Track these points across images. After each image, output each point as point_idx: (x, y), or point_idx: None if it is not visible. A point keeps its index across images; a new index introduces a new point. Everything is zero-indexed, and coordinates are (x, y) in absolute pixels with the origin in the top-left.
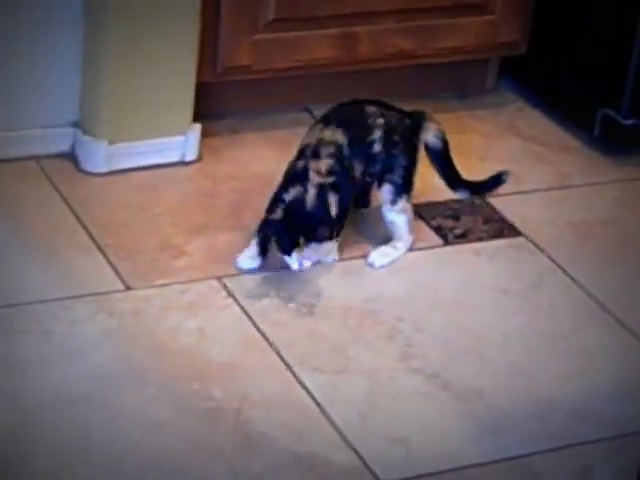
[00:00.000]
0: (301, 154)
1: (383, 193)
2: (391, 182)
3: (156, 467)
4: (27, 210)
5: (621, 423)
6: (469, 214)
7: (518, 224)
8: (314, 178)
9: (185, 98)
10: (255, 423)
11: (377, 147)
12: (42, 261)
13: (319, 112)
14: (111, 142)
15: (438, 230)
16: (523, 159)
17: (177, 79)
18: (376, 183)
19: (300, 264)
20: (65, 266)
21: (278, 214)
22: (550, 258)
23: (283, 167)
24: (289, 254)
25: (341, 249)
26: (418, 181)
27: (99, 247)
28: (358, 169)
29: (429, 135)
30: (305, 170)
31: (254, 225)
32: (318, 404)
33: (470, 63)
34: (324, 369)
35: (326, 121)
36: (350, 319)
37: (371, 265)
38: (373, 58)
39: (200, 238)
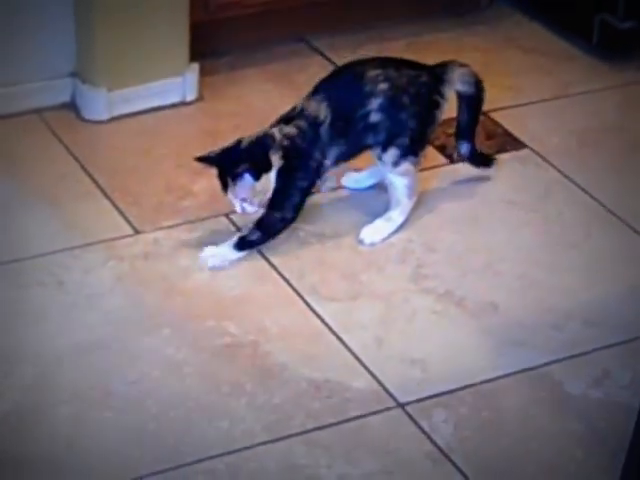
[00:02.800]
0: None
1: (386, 156)
2: (397, 145)
3: (178, 405)
4: (32, 163)
5: (634, 327)
6: None
7: (522, 136)
8: (271, 130)
9: (180, 39)
10: (272, 355)
11: (375, 117)
12: (50, 212)
13: (316, 41)
14: (110, 89)
15: (442, 149)
16: (523, 71)
17: (170, 20)
18: (380, 149)
19: (241, 208)
20: (73, 215)
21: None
22: (556, 168)
23: (284, 99)
24: (224, 191)
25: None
26: None
27: (105, 194)
28: (333, 152)
29: (456, 84)
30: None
31: None
32: (334, 332)
33: None
34: (337, 296)
35: (316, 89)
36: (359, 245)
37: (361, 242)
38: None
39: (205, 177)
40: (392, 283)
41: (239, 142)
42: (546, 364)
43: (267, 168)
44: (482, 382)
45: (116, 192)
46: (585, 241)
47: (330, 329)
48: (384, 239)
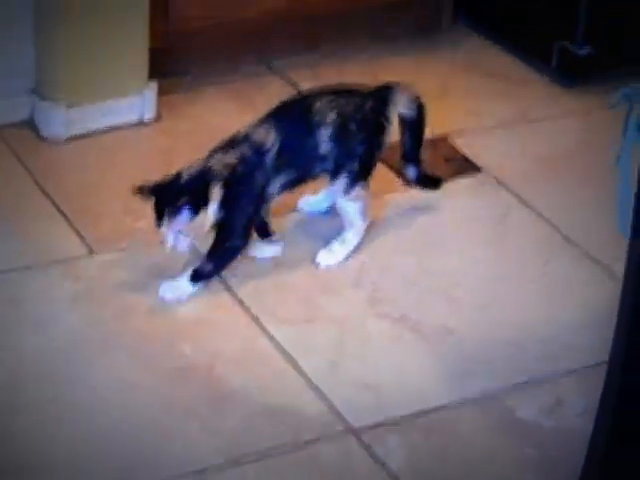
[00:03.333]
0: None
1: (337, 183)
2: (347, 172)
3: (129, 426)
4: None
5: (589, 354)
6: (430, 154)
7: (479, 161)
8: (210, 163)
9: (139, 57)
10: (226, 379)
11: (324, 147)
12: (6, 230)
13: (276, 62)
14: (69, 106)
15: (399, 173)
16: (483, 95)
17: (130, 38)
18: (329, 177)
19: (174, 241)
20: (29, 234)
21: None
22: (513, 193)
23: (243, 119)
24: (158, 224)
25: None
26: None
27: (63, 213)
28: (279, 181)
29: (400, 107)
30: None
31: None
32: (288, 355)
33: (424, 2)
34: (292, 320)
35: (266, 117)
36: (316, 268)
37: (317, 265)
38: (324, 1)
39: None
40: (347, 307)
41: (179, 175)
42: (499, 390)
43: (206, 202)
44: (435, 408)
45: (73, 212)
46: (541, 267)
47: (284, 353)
48: (340, 262)
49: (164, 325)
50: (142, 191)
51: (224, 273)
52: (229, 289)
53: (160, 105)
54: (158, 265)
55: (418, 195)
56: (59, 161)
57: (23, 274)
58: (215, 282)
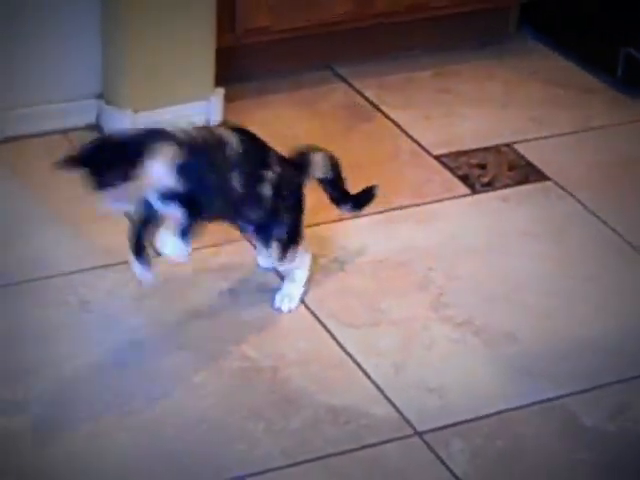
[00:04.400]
0: None
1: (270, 252)
2: (278, 241)
3: (195, 427)
4: (57, 183)
5: None
6: (495, 162)
7: (544, 168)
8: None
9: (206, 63)
10: (291, 380)
11: (266, 191)
12: (75, 232)
13: (342, 69)
14: (135, 111)
15: (465, 179)
16: (546, 103)
17: (197, 44)
18: (261, 245)
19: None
20: (97, 235)
21: None
22: (577, 200)
23: (308, 126)
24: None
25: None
26: (446, 132)
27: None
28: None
29: (316, 172)
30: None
31: None
32: (352, 358)
33: (490, 11)
34: (357, 323)
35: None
36: (381, 272)
37: (279, 310)
38: (390, 11)
39: None
40: (412, 311)
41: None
42: (562, 396)
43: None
44: (498, 412)
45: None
46: (603, 273)
47: (349, 355)
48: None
49: (229, 327)
50: (70, 163)
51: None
52: None
53: (226, 111)
54: (225, 267)
55: (484, 201)
56: None
57: (90, 275)
58: (280, 285)
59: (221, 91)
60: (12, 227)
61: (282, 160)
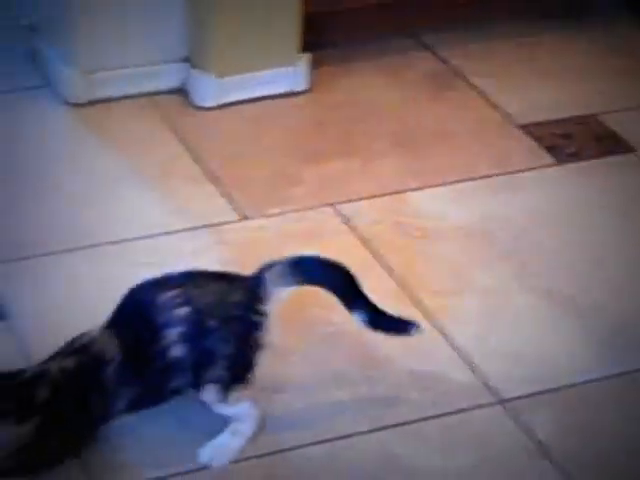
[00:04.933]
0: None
1: (205, 395)
2: (213, 381)
3: (281, 390)
4: (143, 145)
5: None
6: (580, 132)
7: (630, 140)
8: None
9: (292, 28)
10: (375, 346)
11: (175, 352)
12: (159, 195)
13: (427, 38)
14: (221, 75)
15: (550, 149)
16: (631, 74)
17: (283, 10)
18: (192, 390)
19: None
20: (181, 199)
21: None
22: None
23: (393, 94)
24: None
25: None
26: (531, 102)
27: (214, 179)
28: (125, 396)
29: (277, 284)
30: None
31: (367, 152)
32: (438, 325)
33: None
34: (441, 291)
35: (111, 320)
36: (465, 240)
37: (205, 465)
38: None
39: (313, 166)
40: (496, 279)
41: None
42: None
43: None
44: (584, 382)
45: (224, 178)
46: None
47: (434, 322)
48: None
49: (314, 291)
50: None
51: (373, 241)
52: (379, 258)
53: (312, 77)
54: (308, 233)
55: (569, 171)
56: (210, 128)
57: (175, 238)
58: (364, 250)
59: (307, 57)
60: (99, 188)
61: (234, 281)
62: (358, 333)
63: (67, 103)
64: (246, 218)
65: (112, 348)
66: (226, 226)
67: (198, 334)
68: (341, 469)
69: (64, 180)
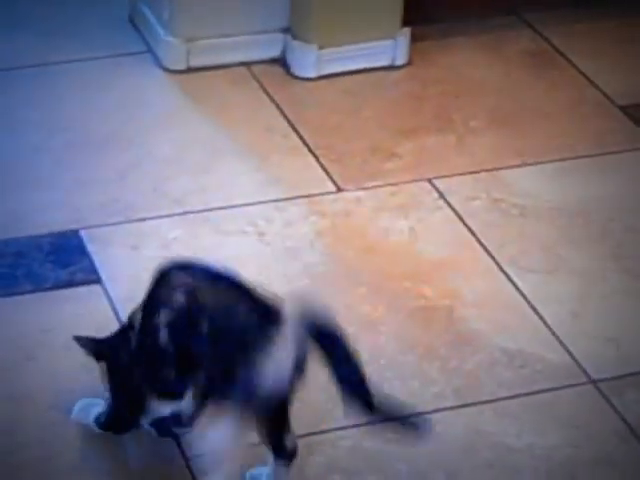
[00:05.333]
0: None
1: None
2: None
3: (372, 362)
4: (240, 115)
5: None
6: None
7: None
8: None
9: (395, 2)
10: (467, 321)
11: (162, 336)
12: (255, 164)
13: (527, 15)
14: (321, 47)
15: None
16: None
17: None
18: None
19: None
20: (277, 169)
21: None
22: None
23: (492, 71)
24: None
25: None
26: (631, 82)
27: (310, 150)
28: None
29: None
30: None
31: (464, 128)
32: (530, 303)
33: None
34: (535, 269)
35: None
36: (560, 219)
37: None
38: None
39: (410, 141)
40: (590, 260)
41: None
42: None
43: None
44: None
45: (321, 149)
46: None
47: (526, 300)
48: None
49: (407, 265)
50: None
51: (469, 219)
52: (473, 234)
53: (412, 51)
54: (404, 206)
55: None
56: (308, 99)
57: (271, 206)
58: (461, 226)
59: (407, 31)
60: (194, 155)
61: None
62: (449, 308)
63: (165, 70)
64: (342, 190)
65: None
66: (321, 197)
67: (185, 329)
68: (430, 443)
69: (160, 146)
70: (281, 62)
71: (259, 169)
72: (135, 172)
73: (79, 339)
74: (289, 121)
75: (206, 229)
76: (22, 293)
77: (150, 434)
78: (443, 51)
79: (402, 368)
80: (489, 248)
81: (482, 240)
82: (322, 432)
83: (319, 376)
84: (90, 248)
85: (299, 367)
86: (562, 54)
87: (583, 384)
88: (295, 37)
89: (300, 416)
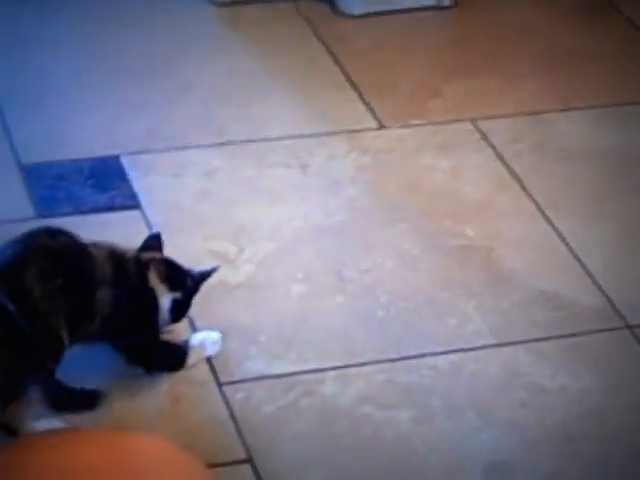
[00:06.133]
0: None
1: None
2: None
3: (408, 297)
4: (285, 49)
5: None
6: None
7: None
8: None
9: None
10: (505, 262)
11: None
12: (299, 98)
13: None
14: None
15: None
16: None
17: None
18: None
19: None
20: (321, 103)
21: None
22: None
23: (537, 21)
24: None
25: None
26: None
27: (354, 86)
28: None
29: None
30: None
31: (510, 71)
32: (569, 246)
33: None
34: (577, 213)
35: None
36: (605, 165)
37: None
38: None
39: (454, 81)
40: (634, 206)
41: None
42: None
43: None
44: None
45: (365, 86)
46: None
47: (566, 243)
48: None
49: (447, 204)
50: None
51: (512, 161)
52: (515, 176)
53: None
54: (446, 145)
55: None
56: (354, 36)
57: (313, 140)
58: (502, 168)
59: None
60: (239, 87)
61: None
62: (488, 248)
63: (213, 2)
64: (384, 127)
65: None
66: (364, 133)
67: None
68: (465, 380)
69: (205, 76)
70: (328, 1)
71: (302, 103)
72: (179, 101)
73: None
74: (334, 57)
75: (248, 160)
76: (61, 215)
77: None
78: None
79: (439, 305)
80: (530, 190)
81: (524, 182)
82: (357, 365)
83: (357, 310)
84: (131, 174)
85: None
86: (611, 2)
87: (619, 329)
88: None
89: (336, 348)
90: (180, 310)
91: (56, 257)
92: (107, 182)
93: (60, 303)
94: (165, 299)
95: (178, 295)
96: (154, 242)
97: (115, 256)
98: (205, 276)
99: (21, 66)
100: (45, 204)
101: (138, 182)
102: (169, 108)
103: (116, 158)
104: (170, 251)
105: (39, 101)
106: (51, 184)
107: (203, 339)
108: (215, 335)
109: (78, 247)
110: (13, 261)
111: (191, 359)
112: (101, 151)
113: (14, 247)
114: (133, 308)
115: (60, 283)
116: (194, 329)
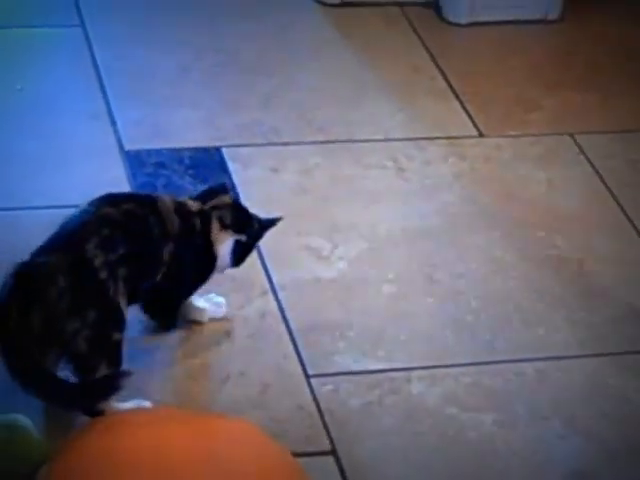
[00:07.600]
0: None
1: None
2: None
3: (498, 304)
4: (388, 53)
5: None
6: None
7: None
8: None
9: None
10: (596, 274)
11: None
12: (400, 102)
13: None
14: None
15: None
16: None
17: None
18: None
19: None
20: (422, 109)
21: None
22: None
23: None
24: None
25: None
26: None
27: (456, 94)
28: None
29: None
30: None
31: (610, 87)
32: None
33: None
34: None
35: None
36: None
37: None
38: None
39: (555, 94)
40: None
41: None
42: None
43: None
44: None
45: (466, 94)
46: None
47: None
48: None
49: (541, 215)
50: None
51: (607, 176)
52: (610, 191)
53: (565, 7)
54: (543, 157)
55: None
56: (458, 44)
57: (412, 144)
58: (597, 182)
59: None
60: (341, 88)
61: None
62: (580, 261)
63: (320, 2)
64: (483, 135)
65: None
66: (463, 140)
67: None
68: (550, 388)
69: (307, 75)
70: (434, 6)
71: (403, 107)
72: (281, 97)
73: None
74: (437, 64)
75: (347, 159)
76: None
77: None
78: (597, 9)
79: (529, 314)
80: (625, 206)
81: (619, 198)
82: (444, 366)
83: (446, 313)
84: (231, 166)
85: None
86: None
87: None
88: None
89: (423, 349)
90: (242, 253)
91: (117, 226)
92: (207, 173)
93: (121, 272)
94: (227, 243)
95: (243, 237)
96: (219, 188)
97: (181, 209)
98: (272, 223)
99: (131, 60)
100: (144, 191)
101: (237, 175)
102: (271, 104)
103: (217, 150)
104: (264, 244)
105: (146, 93)
106: (152, 171)
107: (207, 301)
108: (219, 299)
109: (142, 211)
110: (75, 231)
111: (194, 317)
112: (202, 142)
113: (77, 218)
114: (193, 263)
115: (121, 254)
116: (285, 321)
